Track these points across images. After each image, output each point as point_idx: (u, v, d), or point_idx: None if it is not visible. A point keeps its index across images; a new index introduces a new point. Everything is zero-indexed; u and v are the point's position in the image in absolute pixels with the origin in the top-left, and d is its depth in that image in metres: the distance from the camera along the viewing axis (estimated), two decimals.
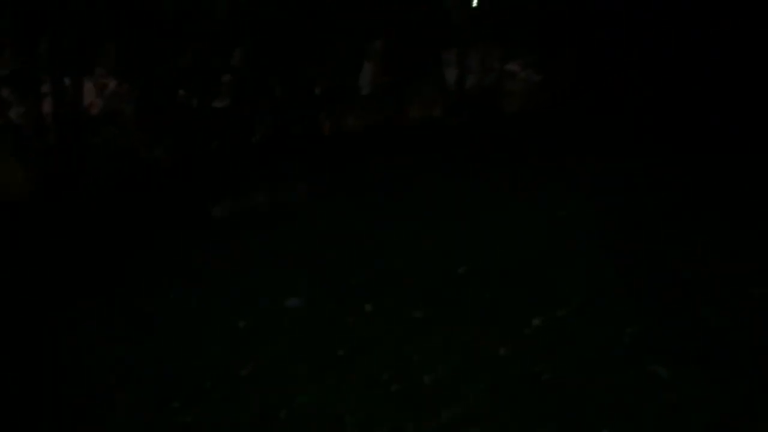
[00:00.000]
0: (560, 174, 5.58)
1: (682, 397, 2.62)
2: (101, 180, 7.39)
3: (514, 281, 3.96)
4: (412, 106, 10.96)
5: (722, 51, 6.44)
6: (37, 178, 7.35)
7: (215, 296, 3.98)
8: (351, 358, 3.23)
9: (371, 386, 2.99)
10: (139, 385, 3.26)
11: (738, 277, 3.53)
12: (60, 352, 3.66)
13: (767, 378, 2.66)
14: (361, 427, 2.73)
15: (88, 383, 3.34)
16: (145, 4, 7.84)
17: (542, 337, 3.30)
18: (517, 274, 4.04)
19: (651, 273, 3.71)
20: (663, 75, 7.10)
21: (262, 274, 4.19)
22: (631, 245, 4.11)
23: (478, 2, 12.52)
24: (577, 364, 2.98)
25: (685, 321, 3.16)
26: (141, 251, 5.11)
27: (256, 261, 4.44)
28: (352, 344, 3.33)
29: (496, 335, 3.31)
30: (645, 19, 7.29)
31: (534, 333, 3.36)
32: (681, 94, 6.80)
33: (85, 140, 7.88)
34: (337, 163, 6.48)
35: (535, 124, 8.02)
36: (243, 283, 4.04)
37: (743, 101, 6.21)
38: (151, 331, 3.74)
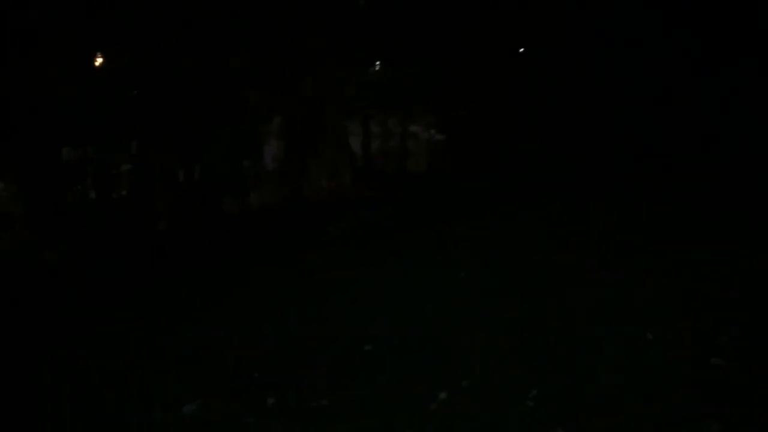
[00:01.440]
0: (459, 238, 5.66)
1: None
2: None
3: (421, 352, 3.89)
4: (320, 176, 11.01)
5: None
6: None
7: (108, 411, 3.70)
8: None
9: None
10: None
11: (632, 334, 3.60)
12: None
13: None
14: None
15: None
16: (30, 103, 7.59)
17: (448, 412, 3.23)
18: (423, 345, 3.98)
19: (545, 332, 3.74)
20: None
21: (154, 380, 3.94)
22: (528, 304, 4.15)
23: (378, 68, 12.89)
24: None
25: (580, 379, 3.17)
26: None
27: (152, 364, 4.18)
28: None
29: (403, 417, 3.21)
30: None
31: (440, 408, 3.28)
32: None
33: None
34: (238, 246, 6.33)
35: (437, 183, 8.18)
36: (132, 394, 3.78)
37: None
38: None
